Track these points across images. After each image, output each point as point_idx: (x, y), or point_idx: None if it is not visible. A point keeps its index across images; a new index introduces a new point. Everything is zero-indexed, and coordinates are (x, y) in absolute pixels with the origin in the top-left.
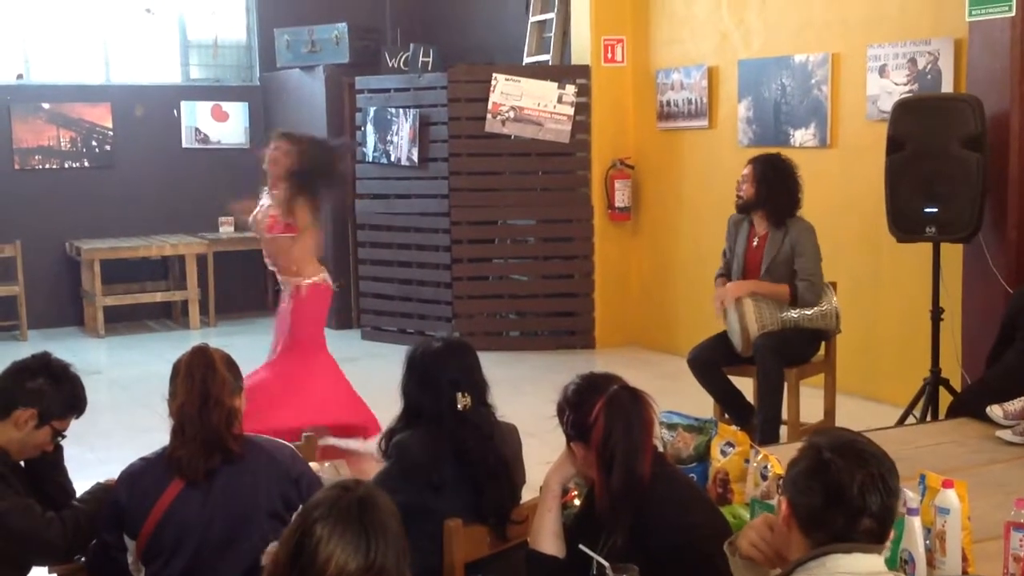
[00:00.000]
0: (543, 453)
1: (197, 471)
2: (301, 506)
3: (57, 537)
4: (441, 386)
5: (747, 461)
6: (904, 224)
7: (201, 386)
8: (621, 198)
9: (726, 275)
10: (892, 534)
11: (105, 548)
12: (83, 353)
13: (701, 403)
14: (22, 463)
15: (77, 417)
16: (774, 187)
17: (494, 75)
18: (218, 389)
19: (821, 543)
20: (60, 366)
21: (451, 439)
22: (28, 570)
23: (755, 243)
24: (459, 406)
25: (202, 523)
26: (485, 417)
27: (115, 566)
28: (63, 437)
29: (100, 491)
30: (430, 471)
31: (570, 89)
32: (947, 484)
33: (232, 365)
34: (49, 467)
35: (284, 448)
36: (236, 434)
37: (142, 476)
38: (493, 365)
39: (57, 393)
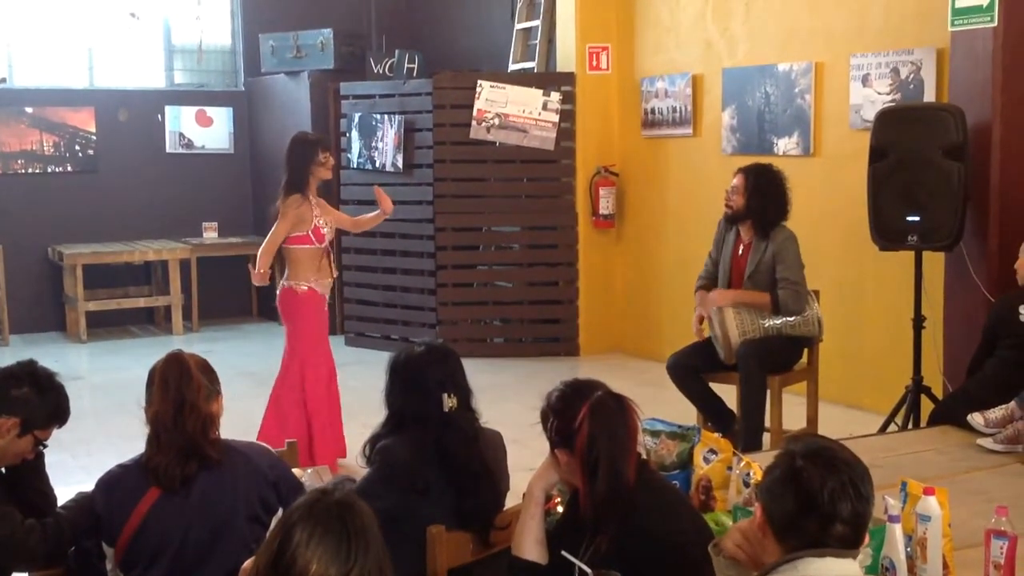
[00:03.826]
0: (527, 460)
1: (173, 479)
2: (281, 510)
3: (37, 544)
4: (427, 388)
5: (730, 468)
6: (886, 233)
7: (176, 393)
8: (605, 205)
9: (708, 284)
10: (867, 539)
11: (84, 555)
12: (65, 358)
13: (684, 410)
14: (2, 470)
15: (59, 427)
16: (765, 198)
17: (479, 82)
18: (193, 395)
19: (795, 549)
20: (46, 375)
21: (436, 441)
22: None
23: (740, 251)
24: (445, 408)
25: (181, 530)
26: (470, 420)
27: (94, 573)
28: (45, 446)
29: (83, 499)
30: (414, 474)
31: (555, 96)
32: (928, 491)
33: (208, 370)
34: (30, 474)
35: (262, 451)
36: (214, 439)
37: (119, 483)
38: (477, 372)
39: (41, 402)
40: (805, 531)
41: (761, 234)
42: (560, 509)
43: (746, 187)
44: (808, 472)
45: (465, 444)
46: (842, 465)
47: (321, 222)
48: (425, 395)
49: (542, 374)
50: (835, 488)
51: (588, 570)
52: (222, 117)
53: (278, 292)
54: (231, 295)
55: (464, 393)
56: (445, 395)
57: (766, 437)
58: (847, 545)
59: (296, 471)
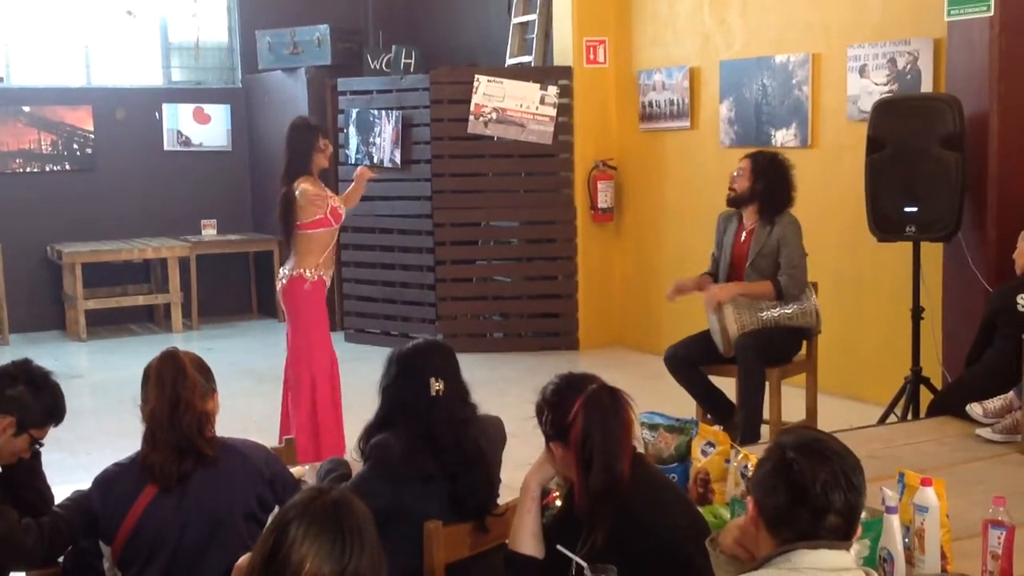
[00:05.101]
0: (525, 454)
1: (170, 477)
2: (277, 507)
3: (34, 543)
4: (418, 375)
5: (728, 461)
6: (884, 224)
7: (171, 391)
8: (604, 199)
9: (712, 274)
10: (860, 531)
11: (81, 554)
12: (65, 357)
13: (683, 404)
14: None
15: (56, 425)
16: (770, 183)
17: (476, 76)
18: (189, 393)
19: (788, 541)
20: (41, 373)
21: (424, 425)
22: (4, 575)
23: (743, 237)
24: (432, 391)
25: (177, 528)
26: (459, 405)
27: (91, 572)
28: (41, 445)
29: (79, 498)
30: (412, 465)
31: (552, 90)
32: (926, 482)
33: (203, 367)
34: (27, 473)
35: (258, 449)
36: (209, 437)
37: (116, 482)
38: (477, 366)
39: (37, 401)
40: (798, 523)
41: (766, 219)
42: (559, 503)
43: (752, 171)
44: (799, 464)
45: (452, 426)
46: (833, 456)
47: (336, 202)
48: (415, 382)
49: (542, 369)
50: (827, 479)
51: (584, 564)
52: (220, 114)
53: (283, 283)
54: (230, 292)
55: (460, 387)
56: (433, 379)
57: (765, 429)
58: (840, 536)
59: (295, 469)
